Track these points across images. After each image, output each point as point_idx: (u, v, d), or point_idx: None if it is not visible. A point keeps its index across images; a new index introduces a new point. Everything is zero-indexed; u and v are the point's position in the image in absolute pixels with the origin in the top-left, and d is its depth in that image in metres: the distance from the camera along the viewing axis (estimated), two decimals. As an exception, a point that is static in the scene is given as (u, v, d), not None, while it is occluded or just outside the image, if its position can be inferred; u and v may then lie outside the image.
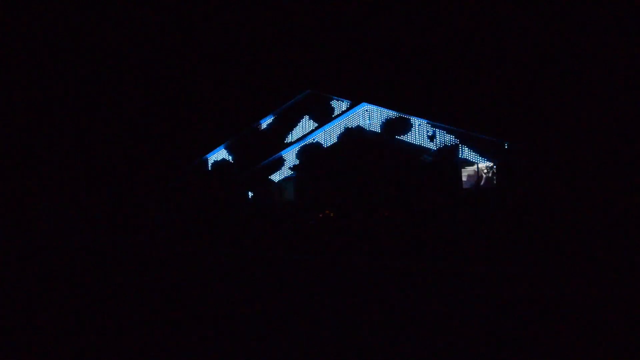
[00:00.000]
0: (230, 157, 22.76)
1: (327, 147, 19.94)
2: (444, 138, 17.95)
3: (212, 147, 23.39)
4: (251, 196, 21.40)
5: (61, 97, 33.92)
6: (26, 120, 34.53)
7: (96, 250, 17.28)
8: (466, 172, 17.47)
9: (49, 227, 28.47)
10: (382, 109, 19.19)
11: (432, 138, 18.01)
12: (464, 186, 17.33)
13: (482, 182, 16.96)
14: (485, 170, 17.05)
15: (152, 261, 14.13)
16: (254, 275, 11.19)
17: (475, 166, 17.27)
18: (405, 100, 19.96)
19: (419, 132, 18.45)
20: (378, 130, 19.05)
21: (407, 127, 18.55)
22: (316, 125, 20.21)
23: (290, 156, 21.00)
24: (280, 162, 21.17)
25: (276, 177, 21.18)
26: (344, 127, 19.66)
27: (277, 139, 21.18)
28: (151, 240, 19.64)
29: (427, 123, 18.17)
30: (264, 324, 6.60)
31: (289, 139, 20.89)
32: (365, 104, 19.39)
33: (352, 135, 19.17)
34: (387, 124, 18.84)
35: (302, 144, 20.48)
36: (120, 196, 28.71)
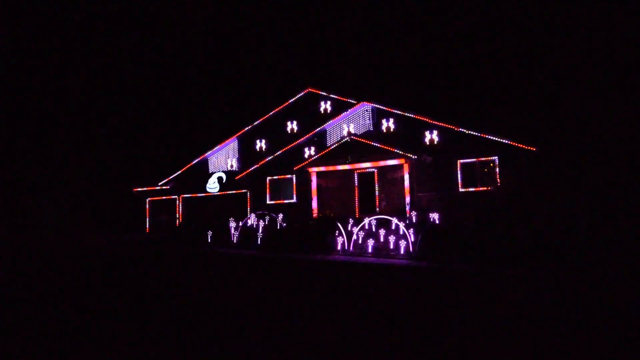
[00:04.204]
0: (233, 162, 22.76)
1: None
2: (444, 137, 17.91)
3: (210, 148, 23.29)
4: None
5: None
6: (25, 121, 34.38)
7: (96, 250, 17.23)
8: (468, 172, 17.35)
9: (49, 226, 28.40)
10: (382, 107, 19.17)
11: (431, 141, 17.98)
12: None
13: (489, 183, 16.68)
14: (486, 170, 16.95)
15: (152, 261, 14.08)
16: (256, 275, 11.14)
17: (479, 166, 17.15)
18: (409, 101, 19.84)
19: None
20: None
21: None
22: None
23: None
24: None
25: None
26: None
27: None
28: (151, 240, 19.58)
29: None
30: (264, 323, 6.55)
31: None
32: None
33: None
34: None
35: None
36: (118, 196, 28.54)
